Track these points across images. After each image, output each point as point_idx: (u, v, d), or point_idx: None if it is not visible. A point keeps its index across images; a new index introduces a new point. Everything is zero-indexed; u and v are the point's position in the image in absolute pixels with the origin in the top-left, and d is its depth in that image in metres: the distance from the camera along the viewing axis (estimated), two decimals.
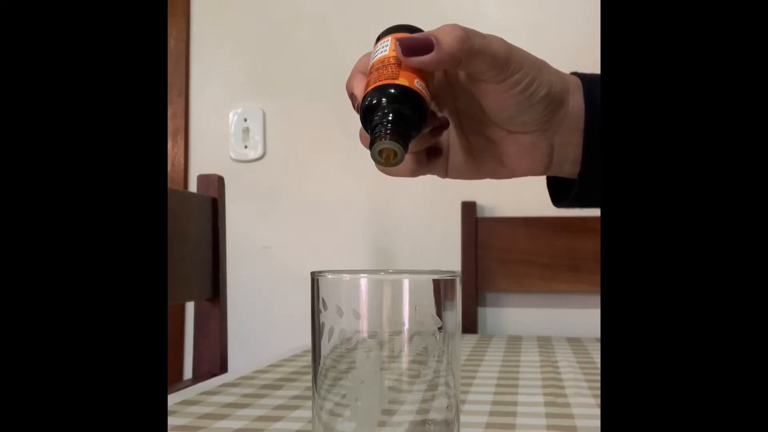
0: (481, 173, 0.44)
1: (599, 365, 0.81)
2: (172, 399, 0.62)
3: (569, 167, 0.41)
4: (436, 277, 0.31)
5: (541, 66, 0.39)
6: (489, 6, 1.47)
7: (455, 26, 0.37)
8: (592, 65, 1.35)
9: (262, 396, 0.64)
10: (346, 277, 0.30)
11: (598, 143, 0.39)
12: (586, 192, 0.41)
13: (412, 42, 0.36)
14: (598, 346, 1.00)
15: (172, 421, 0.54)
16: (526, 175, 0.43)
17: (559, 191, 0.45)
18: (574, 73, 0.42)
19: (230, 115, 1.56)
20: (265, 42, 1.55)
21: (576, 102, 0.39)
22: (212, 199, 1.05)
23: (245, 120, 1.55)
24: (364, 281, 0.29)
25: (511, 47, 0.38)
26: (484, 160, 0.43)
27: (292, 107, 1.53)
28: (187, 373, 1.51)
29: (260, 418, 0.55)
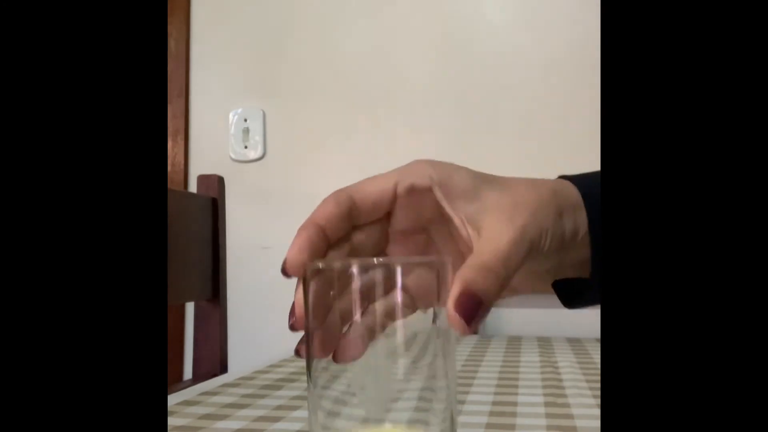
0: None
1: (599, 365, 0.81)
2: (172, 399, 0.62)
3: (572, 272, 0.38)
4: (427, 260, 0.32)
5: (552, 219, 0.34)
6: (489, 6, 1.47)
7: (482, 268, 0.31)
8: (592, 65, 1.34)
9: (262, 396, 0.64)
10: (337, 264, 0.30)
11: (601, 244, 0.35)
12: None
13: (467, 313, 0.30)
14: (598, 347, 1.00)
15: (172, 421, 0.54)
16: (532, 293, 0.41)
17: (566, 291, 0.42)
18: (564, 177, 0.38)
19: (230, 115, 1.56)
20: (265, 42, 1.55)
21: (579, 222, 0.36)
22: (212, 200, 1.05)
23: (245, 120, 1.55)
24: (354, 268, 0.29)
25: (524, 227, 0.32)
26: None
27: (292, 107, 1.53)
28: (187, 373, 1.52)
29: (260, 419, 0.55)
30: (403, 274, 0.30)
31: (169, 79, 1.57)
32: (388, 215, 0.35)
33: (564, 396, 0.63)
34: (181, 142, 1.58)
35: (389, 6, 1.50)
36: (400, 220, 0.35)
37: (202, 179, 1.08)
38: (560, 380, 0.71)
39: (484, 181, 0.35)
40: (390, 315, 0.30)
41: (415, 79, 1.48)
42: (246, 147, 1.54)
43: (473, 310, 0.30)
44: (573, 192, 0.36)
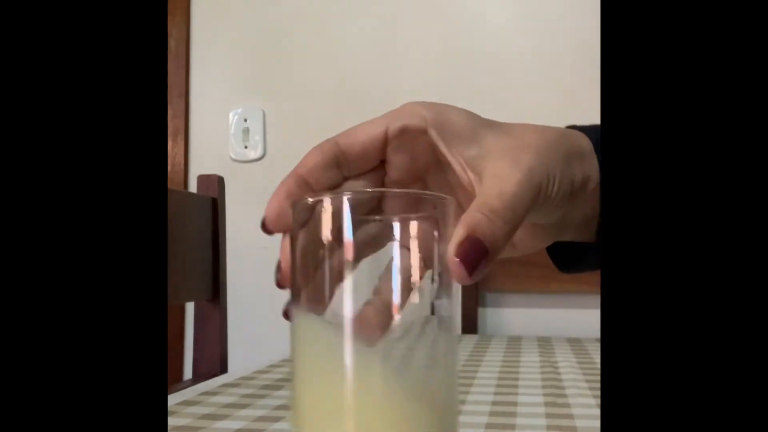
0: None
1: (599, 365, 0.81)
2: (172, 399, 0.62)
3: (574, 232, 0.36)
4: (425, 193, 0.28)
5: (561, 162, 0.31)
6: (489, 6, 1.47)
7: (487, 210, 0.28)
8: (592, 65, 1.34)
9: (262, 396, 0.64)
10: (327, 195, 0.27)
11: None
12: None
13: (470, 261, 0.27)
14: (598, 347, 1.00)
15: (172, 421, 0.54)
16: (532, 251, 0.37)
17: (562, 256, 0.39)
18: (573, 127, 0.35)
19: (230, 115, 1.56)
20: (265, 42, 1.55)
21: (589, 170, 0.33)
22: (212, 200, 1.05)
23: (245, 120, 1.55)
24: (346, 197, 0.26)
25: (530, 170, 0.30)
26: None
27: (292, 107, 1.53)
28: (187, 373, 1.51)
29: (260, 419, 0.55)
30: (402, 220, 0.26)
31: (169, 79, 1.57)
32: (383, 165, 0.32)
33: (564, 396, 0.63)
34: (181, 142, 1.58)
35: (390, 6, 1.50)
36: (394, 168, 0.32)
37: (202, 179, 1.08)
38: (560, 380, 0.71)
39: (484, 124, 0.32)
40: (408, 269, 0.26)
41: (415, 79, 1.48)
42: (246, 147, 1.54)
43: (477, 257, 0.27)
44: (583, 140, 0.33)
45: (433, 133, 0.31)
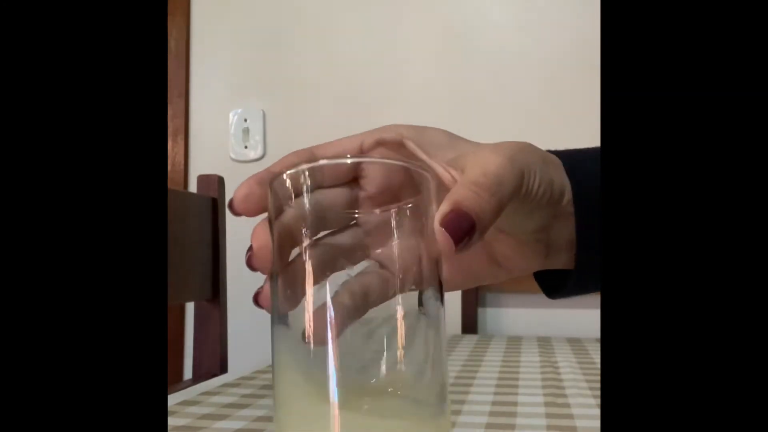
0: (477, 279, 0.37)
1: (599, 365, 0.81)
2: (172, 399, 0.62)
3: (564, 256, 0.36)
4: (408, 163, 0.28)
5: (538, 161, 0.32)
6: (489, 6, 1.47)
7: (472, 185, 0.28)
8: (592, 65, 1.34)
9: (262, 396, 0.64)
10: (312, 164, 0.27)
11: (590, 222, 0.34)
12: (585, 277, 0.36)
13: (455, 231, 0.27)
14: (598, 347, 1.00)
15: (172, 421, 0.54)
16: (522, 273, 0.37)
17: (550, 282, 0.39)
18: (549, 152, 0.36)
19: (230, 115, 1.56)
20: (265, 42, 1.55)
21: (564, 182, 0.34)
22: (212, 200, 1.05)
23: (245, 120, 1.55)
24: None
25: (511, 157, 0.30)
26: (478, 265, 0.36)
27: (292, 107, 1.53)
28: (187, 373, 1.51)
29: (260, 419, 0.55)
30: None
31: (169, 79, 1.57)
32: (358, 182, 0.32)
33: (564, 396, 0.63)
34: (181, 142, 1.58)
35: (389, 6, 1.50)
36: (370, 182, 0.32)
37: (202, 179, 1.08)
38: (560, 380, 0.71)
39: (460, 138, 0.34)
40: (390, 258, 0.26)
41: (415, 79, 1.48)
42: (246, 147, 1.54)
43: (463, 228, 0.27)
44: (554, 156, 0.34)
45: (411, 144, 0.32)
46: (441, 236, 0.27)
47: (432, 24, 1.47)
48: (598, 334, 1.23)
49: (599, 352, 0.90)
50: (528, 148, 0.32)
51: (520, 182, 0.30)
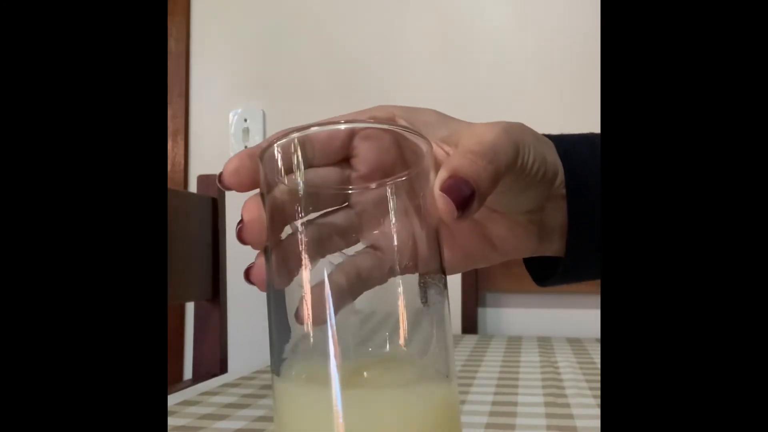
0: (471, 261, 0.36)
1: (599, 365, 0.81)
2: (172, 399, 0.62)
3: (556, 243, 0.36)
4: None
5: (531, 138, 0.32)
6: (489, 6, 1.47)
7: (468, 153, 0.28)
8: (592, 65, 1.34)
9: (262, 396, 0.64)
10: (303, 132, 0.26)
11: (583, 207, 0.34)
12: (576, 263, 0.36)
13: (456, 195, 0.27)
14: (598, 346, 1.00)
15: (172, 421, 0.54)
16: (516, 257, 0.37)
17: (541, 272, 0.39)
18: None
19: (230, 115, 1.56)
20: (265, 42, 1.55)
21: (558, 162, 0.34)
22: (212, 200, 1.05)
23: (245, 120, 1.55)
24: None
25: (506, 130, 0.30)
26: (472, 246, 0.36)
27: (292, 107, 1.53)
28: (187, 373, 1.51)
29: (260, 419, 0.55)
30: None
31: (169, 79, 1.57)
32: (349, 163, 0.31)
33: (564, 396, 0.63)
34: (181, 142, 1.58)
35: (389, 6, 1.50)
36: (361, 161, 0.31)
37: (202, 179, 1.08)
38: (560, 380, 0.71)
39: (451, 118, 0.33)
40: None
41: (415, 79, 1.48)
42: (246, 147, 1.54)
43: (463, 193, 0.26)
44: (547, 138, 0.34)
45: (403, 122, 0.31)
46: (442, 201, 0.26)
47: (432, 24, 1.47)
48: (598, 334, 1.23)
49: (599, 352, 0.90)
50: (521, 126, 0.32)
51: (515, 154, 0.29)
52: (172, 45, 1.58)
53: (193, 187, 1.52)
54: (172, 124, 1.58)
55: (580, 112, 1.36)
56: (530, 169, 0.31)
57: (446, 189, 0.26)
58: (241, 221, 0.29)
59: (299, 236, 0.25)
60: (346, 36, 1.52)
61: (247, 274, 0.29)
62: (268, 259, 0.27)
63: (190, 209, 1.01)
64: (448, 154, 0.29)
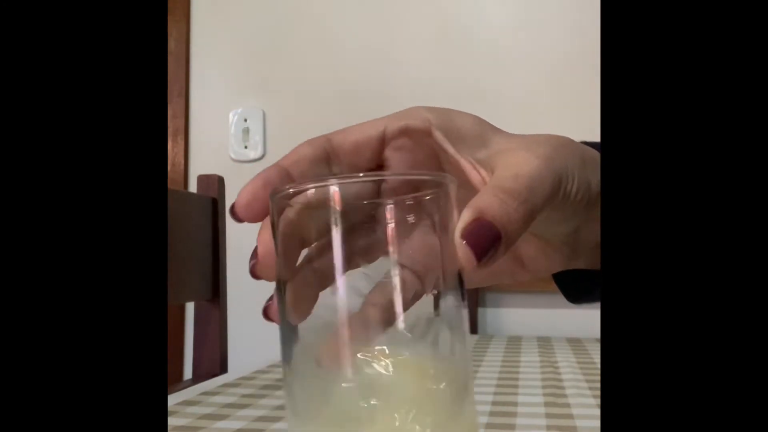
0: (496, 278, 0.34)
1: (599, 365, 0.81)
2: (172, 399, 0.62)
3: (590, 257, 0.33)
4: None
5: (578, 161, 0.29)
6: (489, 5, 1.47)
7: (500, 191, 0.25)
8: (592, 65, 1.34)
9: (262, 396, 0.64)
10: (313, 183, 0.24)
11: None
12: None
13: (478, 244, 0.24)
14: (598, 347, 1.00)
15: (172, 421, 0.54)
16: (544, 275, 0.35)
17: (572, 285, 0.37)
18: (584, 143, 0.32)
19: (230, 115, 1.56)
20: (265, 42, 1.55)
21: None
22: (212, 200, 1.05)
23: (245, 120, 1.55)
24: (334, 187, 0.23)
25: (548, 159, 0.27)
26: (499, 264, 0.33)
27: (292, 107, 1.53)
28: (187, 373, 1.51)
29: (260, 419, 0.55)
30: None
31: (169, 79, 1.57)
32: (379, 170, 0.30)
33: (564, 396, 0.63)
34: (181, 142, 1.58)
35: (389, 6, 1.50)
36: (393, 171, 0.29)
37: (202, 179, 1.08)
38: (560, 380, 0.71)
39: (491, 128, 0.30)
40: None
41: (415, 79, 1.48)
42: (246, 147, 1.54)
43: (486, 240, 0.24)
44: (596, 153, 0.30)
45: (438, 134, 0.29)
46: (462, 251, 0.24)
47: (432, 23, 1.47)
48: (598, 334, 1.23)
49: (599, 352, 0.90)
50: (568, 146, 0.29)
51: (556, 188, 0.27)
52: (172, 45, 1.58)
53: (193, 187, 1.52)
54: (172, 124, 1.58)
55: (580, 112, 1.36)
56: (573, 200, 0.28)
57: (468, 235, 0.24)
58: (254, 255, 0.27)
59: (315, 266, 0.24)
60: (346, 36, 1.52)
61: (266, 313, 0.27)
62: (280, 294, 0.25)
63: (190, 209, 1.00)
64: (483, 179, 0.27)
